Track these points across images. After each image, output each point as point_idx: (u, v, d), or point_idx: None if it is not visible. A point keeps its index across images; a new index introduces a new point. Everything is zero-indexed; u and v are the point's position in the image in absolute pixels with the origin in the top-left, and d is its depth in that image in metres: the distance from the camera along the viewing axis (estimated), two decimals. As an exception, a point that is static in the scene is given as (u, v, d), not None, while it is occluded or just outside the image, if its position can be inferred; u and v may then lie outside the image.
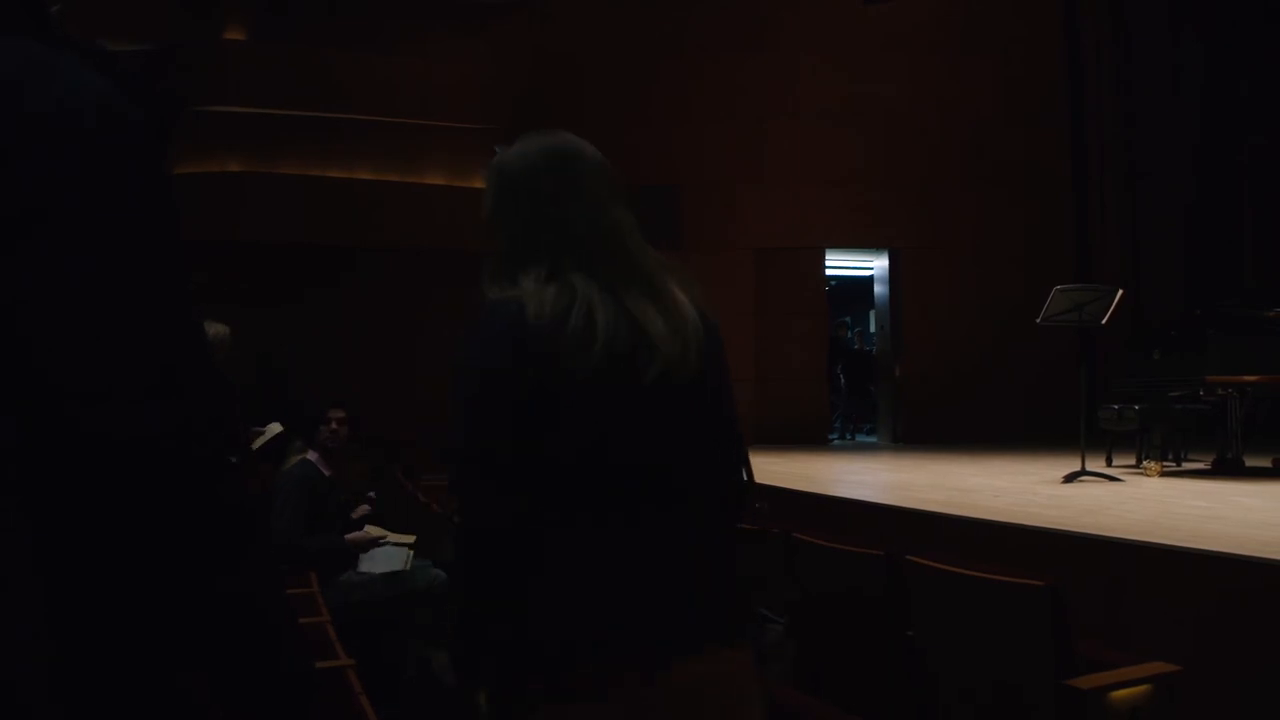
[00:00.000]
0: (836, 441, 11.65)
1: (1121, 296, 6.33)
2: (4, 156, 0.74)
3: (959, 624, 2.72)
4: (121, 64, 0.83)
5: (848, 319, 13.18)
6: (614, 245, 1.46)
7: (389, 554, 4.48)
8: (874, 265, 11.96)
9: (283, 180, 10.65)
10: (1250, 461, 6.68)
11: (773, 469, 7.32)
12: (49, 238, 0.74)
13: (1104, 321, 6.31)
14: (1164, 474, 6.62)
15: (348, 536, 4.46)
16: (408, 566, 4.47)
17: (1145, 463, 6.86)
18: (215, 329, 4.94)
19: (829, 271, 11.90)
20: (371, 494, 5.01)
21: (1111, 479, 6.21)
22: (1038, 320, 6.42)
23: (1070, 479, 6.15)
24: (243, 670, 0.80)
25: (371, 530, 4.54)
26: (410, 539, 4.58)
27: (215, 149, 10.44)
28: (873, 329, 12.90)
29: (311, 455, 4.53)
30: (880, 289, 11.83)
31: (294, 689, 0.83)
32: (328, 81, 10.71)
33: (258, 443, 4.87)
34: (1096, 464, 6.65)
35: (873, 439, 11.92)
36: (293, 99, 10.69)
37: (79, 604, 0.75)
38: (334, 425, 4.55)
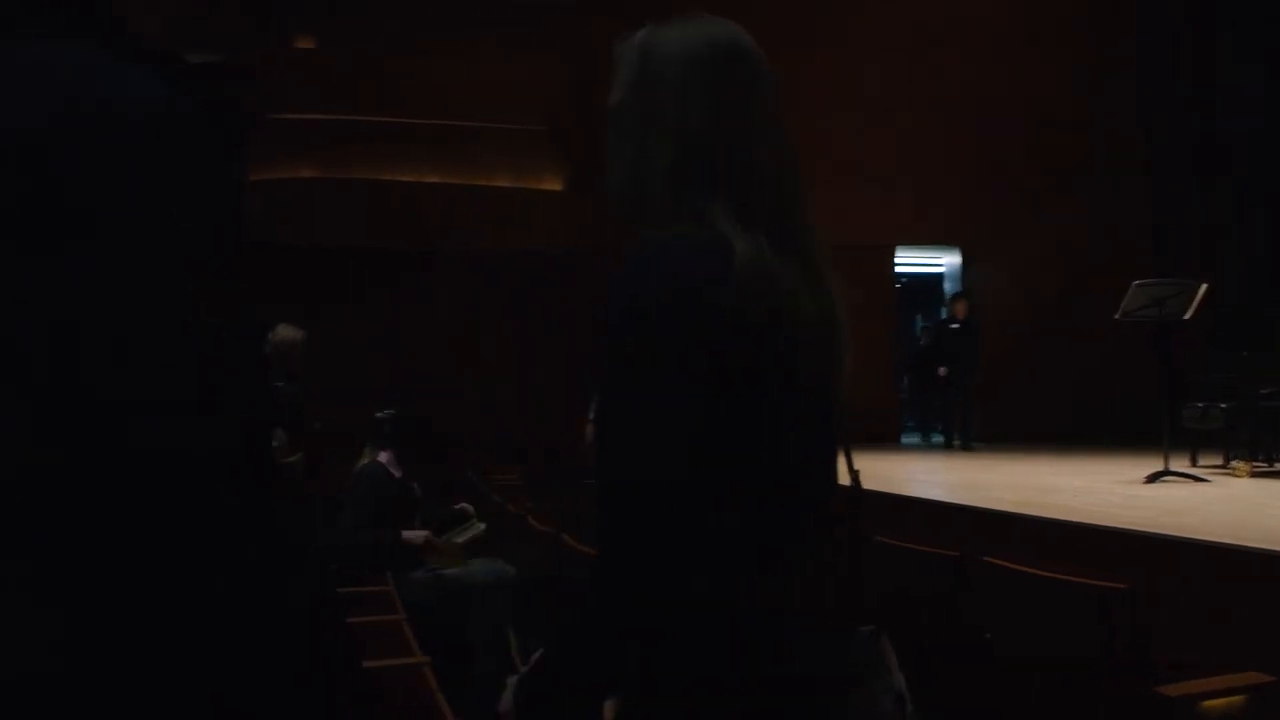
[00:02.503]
0: (933, 441, 11.13)
1: (1205, 291, 6.10)
2: (51, 160, 0.74)
3: (1036, 627, 2.64)
4: (187, 70, 0.83)
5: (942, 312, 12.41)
6: (794, 190, 1.12)
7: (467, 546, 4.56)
8: (944, 262, 11.75)
9: (351, 185, 10.84)
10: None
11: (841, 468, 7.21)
12: (95, 244, 0.74)
13: (1187, 316, 6.09)
14: (1254, 474, 6.38)
15: (405, 534, 4.50)
16: (464, 566, 4.50)
17: (1234, 463, 6.62)
18: (289, 333, 5.03)
19: (897, 270, 11.73)
20: (464, 506, 5.01)
21: (1197, 479, 5.99)
22: (1116, 316, 6.23)
23: (1153, 479, 5.95)
24: (279, 680, 0.79)
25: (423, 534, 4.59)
26: (478, 528, 4.63)
27: (287, 156, 10.66)
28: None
29: (383, 456, 4.59)
30: (950, 287, 11.63)
31: (335, 701, 0.81)
32: (393, 87, 10.87)
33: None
34: (1181, 464, 6.43)
35: (941, 438, 11.71)
36: (360, 105, 10.87)
37: (110, 615, 0.74)
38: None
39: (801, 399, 1.06)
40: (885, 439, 10.75)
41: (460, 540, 4.58)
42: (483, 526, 4.70)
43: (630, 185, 1.11)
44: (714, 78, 1.09)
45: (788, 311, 1.03)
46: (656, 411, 0.98)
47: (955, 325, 9.80)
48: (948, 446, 9.91)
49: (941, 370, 9.74)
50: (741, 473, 1.02)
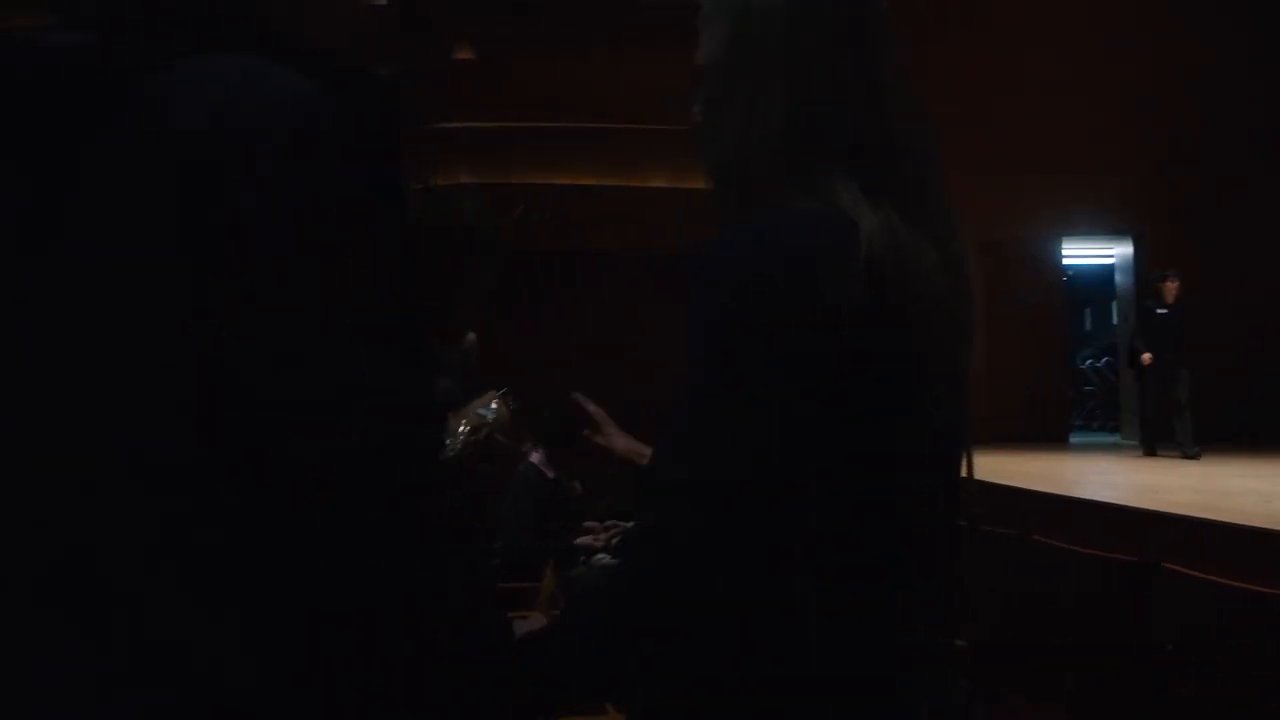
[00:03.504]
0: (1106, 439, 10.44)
1: None
2: (210, 168, 0.76)
3: (1222, 641, 2.49)
4: (345, 79, 0.85)
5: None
6: (926, 158, 0.97)
7: None
8: (1115, 253, 11.15)
9: (510, 189, 11.13)
10: None
11: (1007, 468, 6.97)
12: (254, 249, 0.75)
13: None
14: None
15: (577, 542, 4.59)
16: None
17: None
18: (470, 337, 5.20)
19: (1065, 261, 11.21)
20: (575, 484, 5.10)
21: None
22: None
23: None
24: (440, 678, 0.80)
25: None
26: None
27: (449, 163, 11.04)
28: (1114, 320, 12.03)
29: (535, 457, 4.68)
30: (1122, 278, 11.01)
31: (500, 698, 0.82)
32: (549, 92, 11.10)
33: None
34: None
35: (1114, 437, 11.13)
36: (517, 111, 11.15)
37: (281, 617, 0.77)
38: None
39: (931, 395, 0.91)
40: (1053, 438, 10.28)
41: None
42: None
43: (735, 157, 0.96)
44: (829, 31, 0.94)
45: (922, 298, 0.89)
46: (756, 404, 0.84)
47: (1163, 310, 8.43)
48: (1150, 452, 8.53)
49: (1146, 357, 8.27)
50: (850, 483, 0.88)
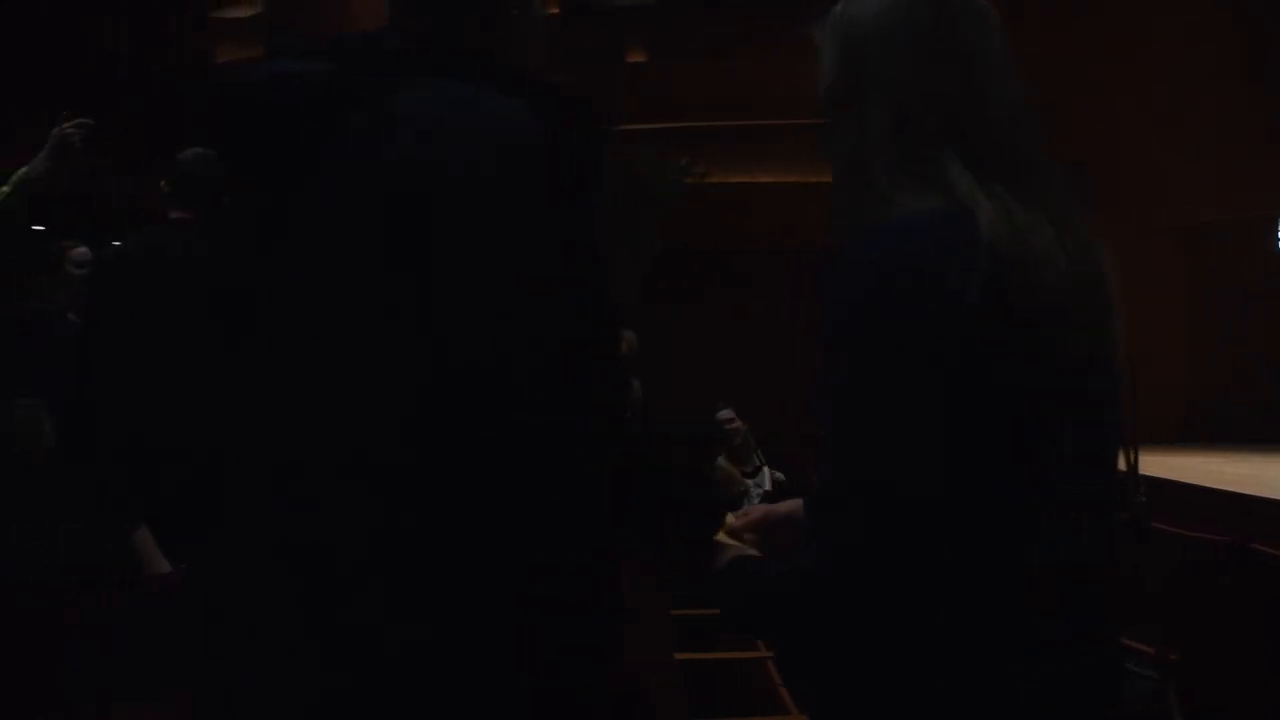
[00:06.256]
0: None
1: None
2: (436, 177, 0.84)
3: None
4: (552, 92, 0.94)
5: None
6: (1035, 140, 1.03)
7: None
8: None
9: (692, 189, 11.19)
10: None
11: (1224, 470, 6.47)
12: (472, 245, 0.83)
13: None
14: None
15: None
16: None
17: None
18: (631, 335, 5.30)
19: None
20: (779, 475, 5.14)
21: None
22: None
23: None
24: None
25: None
26: None
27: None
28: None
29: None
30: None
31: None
32: (723, 93, 11.10)
33: None
34: None
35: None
36: (692, 112, 11.20)
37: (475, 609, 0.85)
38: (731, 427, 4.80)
39: (1065, 385, 0.93)
40: (1271, 439, 9.46)
41: None
42: None
43: (854, 159, 1.04)
44: (919, 29, 1.02)
45: (1046, 282, 0.92)
46: (901, 411, 0.88)
47: None
48: None
49: None
50: (998, 481, 0.90)
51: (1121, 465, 1.07)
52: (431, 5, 0.98)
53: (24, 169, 3.00)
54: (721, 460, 4.80)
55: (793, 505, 1.17)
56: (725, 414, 4.96)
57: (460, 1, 0.99)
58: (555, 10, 10.92)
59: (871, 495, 0.87)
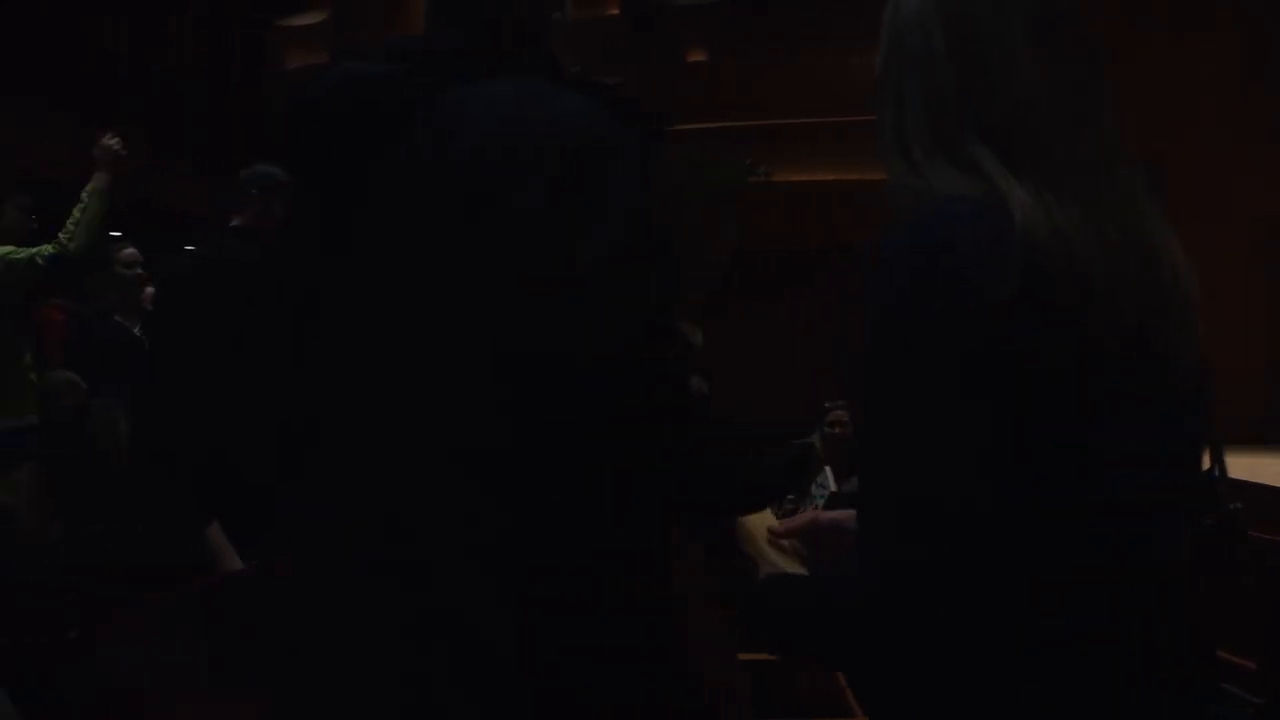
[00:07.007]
0: None
1: None
2: (507, 172, 0.87)
3: None
4: (609, 91, 0.96)
5: None
6: (1072, 125, 0.98)
7: None
8: None
9: (756, 188, 11.14)
10: None
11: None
12: (549, 238, 0.86)
13: None
14: None
15: None
16: None
17: None
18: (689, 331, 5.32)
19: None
20: None
21: None
22: None
23: None
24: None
25: None
26: None
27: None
28: None
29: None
30: None
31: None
32: (783, 91, 11.01)
33: None
34: None
35: None
36: (752, 111, 11.14)
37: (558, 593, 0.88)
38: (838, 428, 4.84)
39: (1131, 384, 0.88)
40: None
41: None
42: None
43: (895, 140, 1.05)
44: (952, 10, 1.01)
45: (1091, 275, 0.86)
46: (939, 416, 0.84)
47: None
48: None
49: None
50: (1057, 486, 0.85)
51: (1206, 466, 1.05)
52: (476, 6, 1.01)
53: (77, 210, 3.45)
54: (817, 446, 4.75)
55: (843, 514, 1.12)
56: (839, 413, 4.93)
57: (506, 3, 1.01)
58: (615, 11, 10.94)
59: (908, 506, 0.84)
